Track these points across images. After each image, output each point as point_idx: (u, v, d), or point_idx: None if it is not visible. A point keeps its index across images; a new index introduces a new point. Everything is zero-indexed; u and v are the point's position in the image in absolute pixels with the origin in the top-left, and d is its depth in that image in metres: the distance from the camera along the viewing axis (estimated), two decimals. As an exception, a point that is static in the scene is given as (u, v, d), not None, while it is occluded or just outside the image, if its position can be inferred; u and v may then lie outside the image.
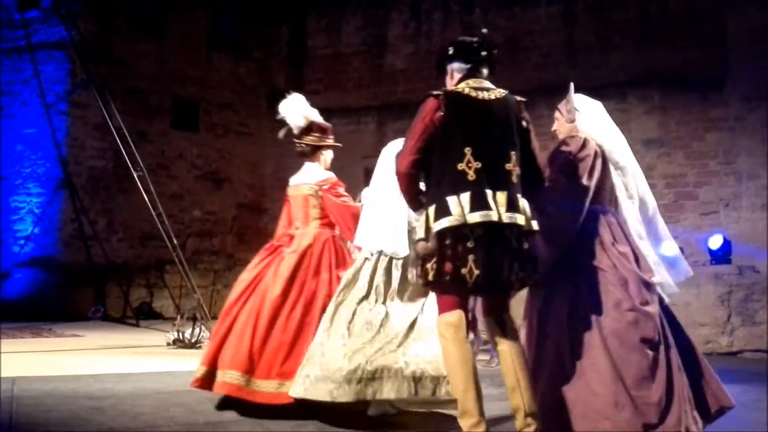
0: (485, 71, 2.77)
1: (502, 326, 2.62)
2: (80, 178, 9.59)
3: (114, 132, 8.11)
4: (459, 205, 2.50)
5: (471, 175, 2.54)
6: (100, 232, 9.56)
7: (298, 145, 3.89)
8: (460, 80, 2.73)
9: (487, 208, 2.49)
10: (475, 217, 2.48)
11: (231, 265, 10.73)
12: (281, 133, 3.98)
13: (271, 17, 11.51)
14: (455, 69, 2.77)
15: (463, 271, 2.49)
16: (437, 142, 2.61)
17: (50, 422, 3.11)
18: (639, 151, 9.14)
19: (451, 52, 2.78)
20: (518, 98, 2.76)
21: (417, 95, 11.95)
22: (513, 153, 2.61)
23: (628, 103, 9.11)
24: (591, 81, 9.33)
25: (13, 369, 4.62)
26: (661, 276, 2.84)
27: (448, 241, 2.50)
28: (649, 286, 2.74)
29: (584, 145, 2.85)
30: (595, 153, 2.86)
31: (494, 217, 2.49)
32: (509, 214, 2.51)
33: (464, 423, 2.45)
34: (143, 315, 9.32)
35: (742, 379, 4.97)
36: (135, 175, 7.89)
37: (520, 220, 2.52)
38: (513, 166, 2.59)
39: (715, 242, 7.62)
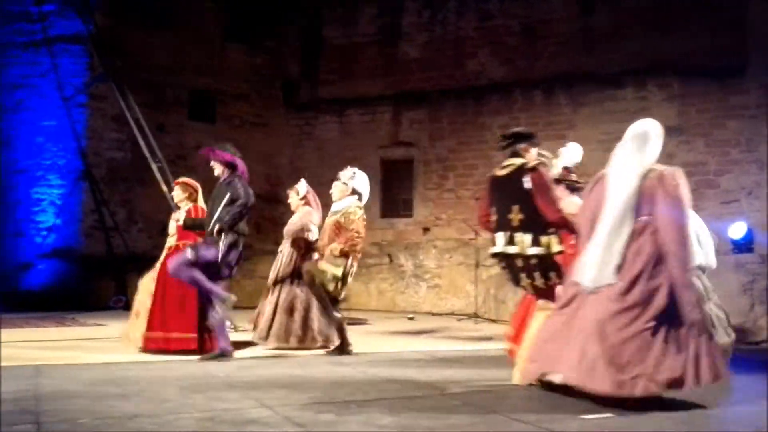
0: (515, 150, 4.14)
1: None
2: (100, 169, 9.69)
3: (132, 124, 8.17)
4: (491, 242, 4.20)
5: (493, 224, 4.15)
6: (120, 223, 9.66)
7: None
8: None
9: (494, 244, 4.14)
10: (491, 250, 4.20)
11: (248, 255, 10.75)
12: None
13: (285, 7, 11.50)
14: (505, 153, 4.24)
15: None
16: None
17: (75, 409, 3.17)
18: (658, 139, 9.13)
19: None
20: (529, 165, 4.00)
21: (432, 84, 11.96)
22: (514, 207, 4.00)
23: (647, 90, 9.01)
24: (609, 69, 9.24)
25: (38, 357, 4.72)
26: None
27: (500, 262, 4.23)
28: None
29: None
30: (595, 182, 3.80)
31: (497, 250, 4.11)
32: (507, 248, 4.03)
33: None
34: (163, 305, 9.41)
35: (764, 369, 4.94)
36: (154, 167, 7.95)
37: (512, 250, 4.00)
38: (514, 215, 4.00)
39: (737, 231, 7.52)
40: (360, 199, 5.44)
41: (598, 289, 3.46)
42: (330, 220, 5.40)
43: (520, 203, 3.97)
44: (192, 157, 10.66)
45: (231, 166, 4.98)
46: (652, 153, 3.62)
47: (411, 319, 8.99)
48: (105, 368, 4.44)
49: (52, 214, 9.61)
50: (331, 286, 5.16)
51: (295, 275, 5.62)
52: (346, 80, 11.15)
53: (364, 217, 5.36)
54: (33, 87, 9.94)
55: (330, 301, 5.25)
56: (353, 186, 5.44)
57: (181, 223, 5.25)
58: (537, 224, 3.94)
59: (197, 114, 10.67)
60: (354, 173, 5.48)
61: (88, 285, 9.31)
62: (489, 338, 6.74)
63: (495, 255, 4.15)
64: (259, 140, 11.31)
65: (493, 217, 4.12)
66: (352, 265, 5.24)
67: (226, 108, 11.02)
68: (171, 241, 5.43)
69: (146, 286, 5.25)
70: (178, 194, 5.50)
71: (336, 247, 5.18)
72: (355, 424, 3.01)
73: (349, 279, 5.26)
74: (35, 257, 9.46)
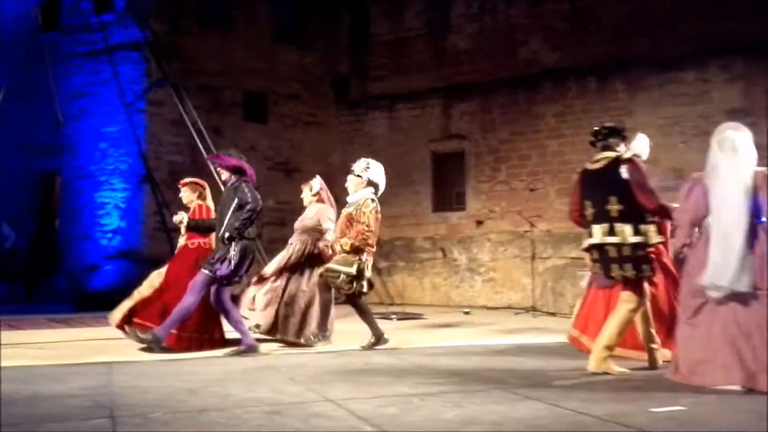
0: (607, 144, 4.29)
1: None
2: (161, 172, 10.00)
3: (190, 127, 8.41)
4: (588, 234, 4.25)
5: (589, 217, 4.22)
6: (181, 224, 9.94)
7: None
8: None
9: (591, 236, 4.20)
10: (588, 242, 4.23)
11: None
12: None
13: (332, 5, 11.58)
14: (596, 148, 4.35)
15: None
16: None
17: (147, 403, 3.29)
18: (721, 122, 8.75)
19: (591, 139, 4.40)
20: (624, 158, 4.16)
21: (483, 74, 11.77)
22: (612, 198, 4.09)
23: (709, 72, 8.67)
24: (667, 52, 8.92)
25: (109, 354, 4.92)
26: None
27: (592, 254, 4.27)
28: None
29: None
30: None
31: (595, 241, 4.17)
32: (606, 238, 4.11)
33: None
34: (224, 302, 9.65)
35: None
36: (212, 168, 8.15)
37: (614, 240, 4.08)
38: (612, 206, 4.09)
39: (809, 216, 7.14)
40: (376, 191, 5.37)
41: (737, 296, 3.60)
42: (344, 213, 5.35)
43: (618, 194, 4.08)
44: (246, 158, 10.88)
45: (238, 171, 5.02)
46: (749, 155, 3.80)
47: (467, 313, 8.93)
48: (172, 364, 4.59)
49: (116, 217, 9.98)
50: (347, 287, 5.13)
51: (305, 267, 5.54)
52: (395, 75, 11.15)
53: (378, 209, 5.25)
54: (95, 95, 10.35)
55: (357, 296, 5.21)
56: (368, 177, 5.35)
57: (185, 224, 5.39)
58: (635, 214, 4.07)
59: (251, 115, 10.88)
60: (368, 164, 5.40)
61: (152, 285, 9.61)
62: (548, 331, 6.63)
63: (592, 246, 4.20)
64: (312, 139, 11.45)
65: (589, 210, 4.20)
66: (366, 260, 5.15)
67: (279, 108, 11.20)
68: (181, 240, 5.60)
69: (152, 280, 5.38)
70: (187, 195, 5.60)
71: (346, 242, 5.12)
72: (419, 417, 3.01)
73: (367, 273, 5.17)
74: (101, 259, 9.84)
